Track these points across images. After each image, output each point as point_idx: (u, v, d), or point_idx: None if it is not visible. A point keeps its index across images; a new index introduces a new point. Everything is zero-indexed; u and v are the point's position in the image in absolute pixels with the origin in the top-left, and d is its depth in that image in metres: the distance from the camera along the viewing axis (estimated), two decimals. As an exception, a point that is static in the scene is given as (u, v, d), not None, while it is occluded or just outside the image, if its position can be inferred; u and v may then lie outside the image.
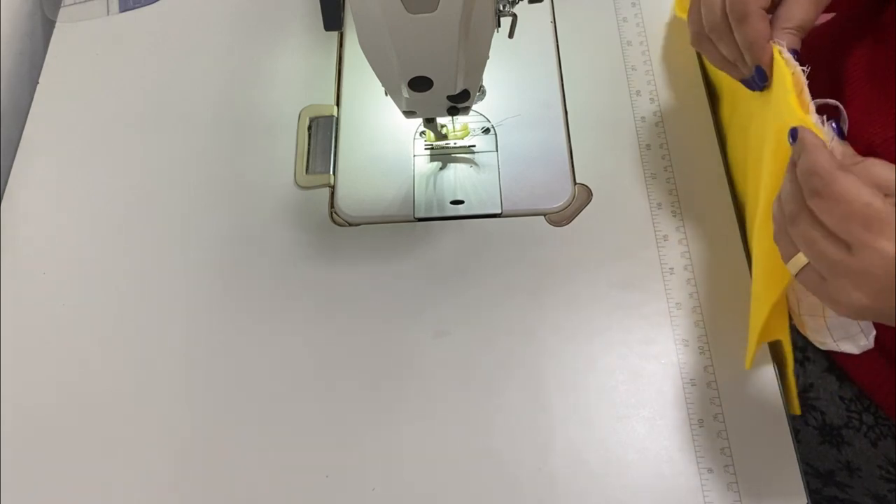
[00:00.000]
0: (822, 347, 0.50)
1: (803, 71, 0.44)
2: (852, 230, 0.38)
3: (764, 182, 0.47)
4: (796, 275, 0.42)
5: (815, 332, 0.49)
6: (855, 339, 0.48)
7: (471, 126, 0.63)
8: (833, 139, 0.41)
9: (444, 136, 0.61)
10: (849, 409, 0.57)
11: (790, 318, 0.50)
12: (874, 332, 0.47)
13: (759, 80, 0.47)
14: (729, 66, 0.50)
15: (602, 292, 0.56)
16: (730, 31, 0.47)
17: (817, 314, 0.49)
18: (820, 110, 0.43)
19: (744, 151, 0.56)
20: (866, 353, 0.53)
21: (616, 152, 0.61)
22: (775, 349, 0.53)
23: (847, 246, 0.38)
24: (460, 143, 0.62)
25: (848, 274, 0.38)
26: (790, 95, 0.43)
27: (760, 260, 0.49)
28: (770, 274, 0.47)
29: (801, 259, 0.41)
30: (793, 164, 0.41)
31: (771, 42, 0.45)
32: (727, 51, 0.48)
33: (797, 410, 0.52)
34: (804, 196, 0.40)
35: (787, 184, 0.42)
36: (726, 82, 0.60)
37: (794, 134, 0.41)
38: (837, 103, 0.44)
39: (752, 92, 0.49)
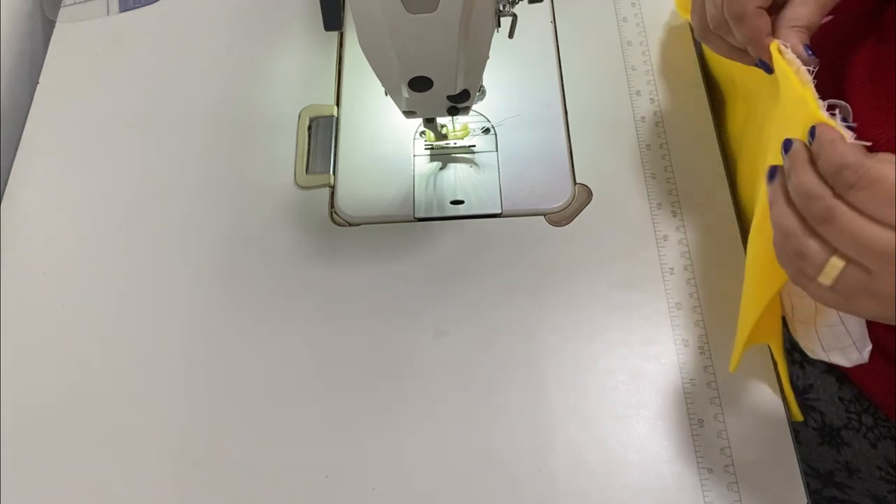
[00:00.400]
0: (812, 356, 0.49)
1: (810, 71, 0.43)
2: None
3: (762, 184, 0.47)
4: (832, 285, 0.38)
5: (806, 340, 0.49)
6: (846, 352, 0.47)
7: (471, 126, 0.63)
8: (850, 136, 0.39)
9: (444, 136, 0.61)
10: (848, 411, 0.57)
11: (784, 323, 0.50)
12: (869, 347, 0.46)
13: (766, 70, 0.46)
14: (739, 55, 0.49)
15: (602, 292, 0.56)
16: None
17: (809, 322, 0.48)
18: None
19: (754, 160, 0.55)
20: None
21: (616, 152, 0.61)
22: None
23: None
24: (460, 143, 0.62)
25: None
26: (806, 93, 0.41)
27: (754, 261, 0.48)
28: (762, 276, 0.46)
29: (836, 264, 0.38)
30: (810, 165, 0.39)
31: (770, 39, 0.45)
32: (735, 42, 0.47)
33: (798, 416, 0.51)
34: (837, 193, 0.37)
35: (808, 187, 0.39)
36: (742, 91, 0.59)
37: (812, 132, 0.39)
38: (845, 104, 0.43)
39: (768, 102, 0.49)
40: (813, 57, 0.44)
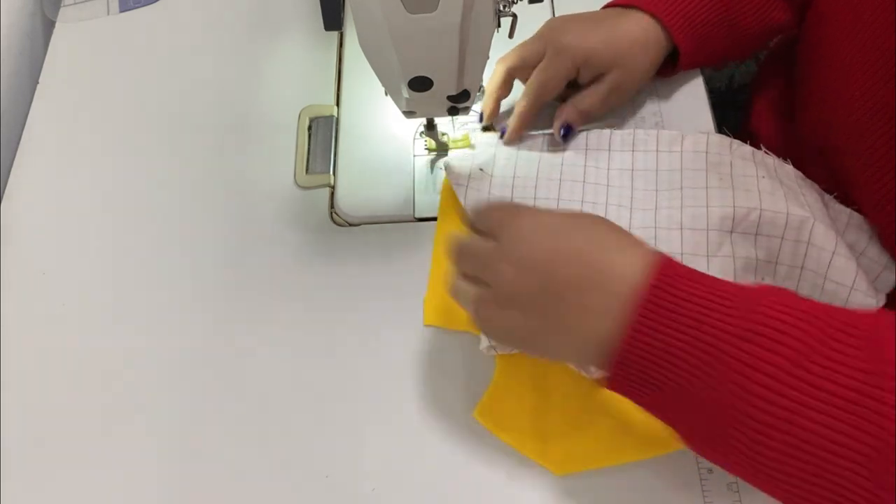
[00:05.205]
0: None
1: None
2: None
3: None
4: (464, 300, 0.45)
5: None
6: None
7: (470, 125, 0.63)
8: None
9: (445, 146, 0.61)
10: None
11: None
12: None
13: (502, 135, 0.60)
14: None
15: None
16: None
17: None
18: None
19: None
20: None
21: (616, 152, 0.61)
22: None
23: None
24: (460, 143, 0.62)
25: None
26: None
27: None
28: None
29: (458, 285, 0.45)
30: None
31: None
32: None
33: None
34: None
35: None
36: None
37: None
38: None
39: None
40: (563, 139, 0.58)
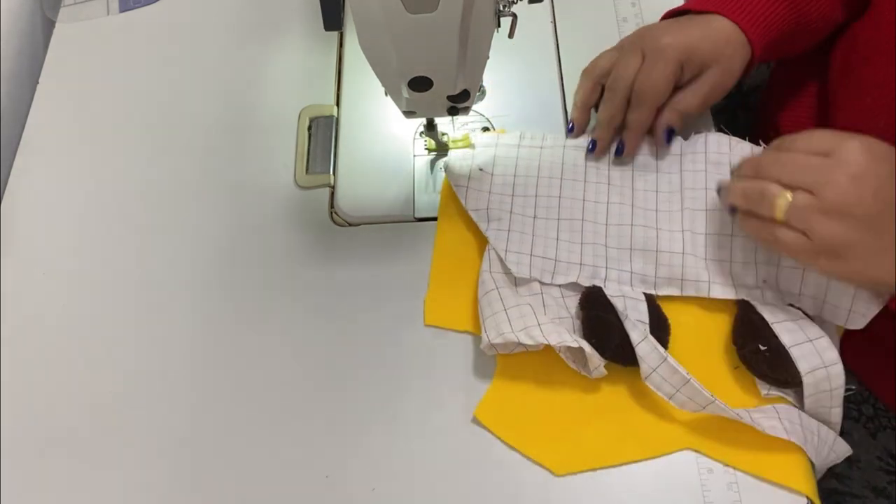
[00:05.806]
0: None
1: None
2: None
3: None
4: (787, 216, 0.45)
5: None
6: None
7: (470, 125, 0.63)
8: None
9: (445, 146, 0.61)
10: (848, 401, 0.57)
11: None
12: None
13: (590, 149, 0.58)
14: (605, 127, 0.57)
15: (602, 292, 0.56)
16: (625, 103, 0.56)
17: None
18: None
19: None
20: (866, 345, 0.53)
21: (616, 152, 0.61)
22: None
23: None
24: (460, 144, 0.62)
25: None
26: None
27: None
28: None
29: (784, 194, 0.44)
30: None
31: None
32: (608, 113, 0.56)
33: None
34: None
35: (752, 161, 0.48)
36: None
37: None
38: None
39: None
40: (667, 143, 0.56)
